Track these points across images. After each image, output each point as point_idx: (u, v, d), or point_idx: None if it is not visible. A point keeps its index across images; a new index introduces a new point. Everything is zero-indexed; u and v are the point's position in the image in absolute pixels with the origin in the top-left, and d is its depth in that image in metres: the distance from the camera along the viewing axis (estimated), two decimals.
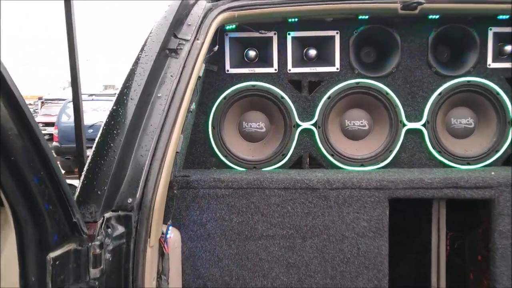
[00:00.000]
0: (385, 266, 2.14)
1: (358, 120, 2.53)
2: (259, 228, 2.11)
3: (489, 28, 2.42)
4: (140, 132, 1.76)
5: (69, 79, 1.91)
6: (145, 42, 1.93)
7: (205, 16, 2.08)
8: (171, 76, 1.88)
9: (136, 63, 1.88)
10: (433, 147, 2.45)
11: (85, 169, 1.71)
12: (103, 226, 1.57)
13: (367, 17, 2.29)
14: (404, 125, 2.45)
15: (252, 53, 2.48)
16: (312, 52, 2.47)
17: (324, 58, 2.48)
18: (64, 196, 1.39)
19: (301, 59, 2.49)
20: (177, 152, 1.98)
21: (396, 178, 2.10)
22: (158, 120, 1.78)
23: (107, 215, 1.59)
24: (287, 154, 2.45)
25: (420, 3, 2.11)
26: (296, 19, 2.30)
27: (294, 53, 2.44)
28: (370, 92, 2.43)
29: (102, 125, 1.80)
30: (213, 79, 2.44)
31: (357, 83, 2.42)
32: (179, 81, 1.88)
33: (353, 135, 2.53)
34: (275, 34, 2.41)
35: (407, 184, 2.08)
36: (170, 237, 1.98)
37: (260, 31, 2.33)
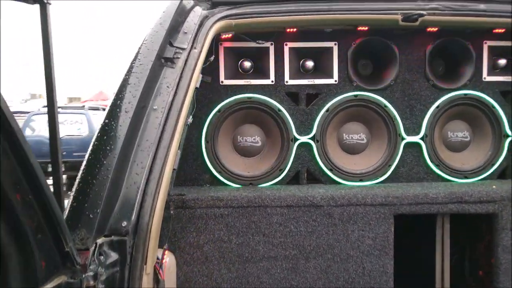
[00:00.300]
0: (390, 285, 2.05)
1: (356, 133, 2.46)
2: (260, 249, 1.98)
3: (484, 41, 2.43)
4: (134, 147, 1.61)
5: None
6: (139, 49, 1.79)
7: (201, 24, 1.96)
8: (167, 87, 1.74)
9: (129, 72, 1.73)
10: (431, 161, 2.41)
11: (73, 190, 1.54)
12: (95, 254, 1.40)
13: (366, 28, 2.24)
14: (402, 138, 2.40)
15: (247, 64, 2.37)
16: (309, 64, 2.39)
17: (322, 70, 2.41)
18: (55, 223, 1.22)
19: (298, 71, 2.40)
20: (174, 170, 1.83)
21: (401, 193, 2.03)
22: (154, 135, 1.64)
23: (99, 241, 1.42)
24: (284, 170, 2.34)
25: (421, 15, 2.08)
26: (295, 29, 2.22)
27: (291, 65, 2.35)
28: (368, 105, 2.37)
29: (93, 140, 1.63)
30: (206, 91, 2.31)
31: (356, 95, 2.36)
32: (176, 92, 1.75)
33: (351, 149, 2.46)
34: (271, 44, 2.32)
35: (412, 199, 2.01)
36: (166, 262, 1.81)
37: (257, 41, 2.23)
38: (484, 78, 2.45)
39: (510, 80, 2.46)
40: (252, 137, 2.38)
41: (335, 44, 2.35)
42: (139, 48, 1.79)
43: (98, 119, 11.41)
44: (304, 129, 2.37)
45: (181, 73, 1.80)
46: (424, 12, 2.08)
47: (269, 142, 2.39)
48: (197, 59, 1.86)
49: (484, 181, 2.37)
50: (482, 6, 2.19)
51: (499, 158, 2.44)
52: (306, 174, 2.40)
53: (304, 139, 2.35)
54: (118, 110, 1.65)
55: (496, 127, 2.44)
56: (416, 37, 2.39)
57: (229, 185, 2.32)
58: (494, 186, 2.17)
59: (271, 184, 2.34)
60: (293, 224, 1.99)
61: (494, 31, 2.34)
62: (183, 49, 1.83)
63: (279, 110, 2.31)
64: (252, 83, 2.34)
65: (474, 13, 2.17)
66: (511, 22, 2.19)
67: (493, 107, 2.42)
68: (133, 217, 1.48)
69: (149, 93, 1.71)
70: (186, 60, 1.84)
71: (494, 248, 2.11)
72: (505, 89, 2.47)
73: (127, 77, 1.72)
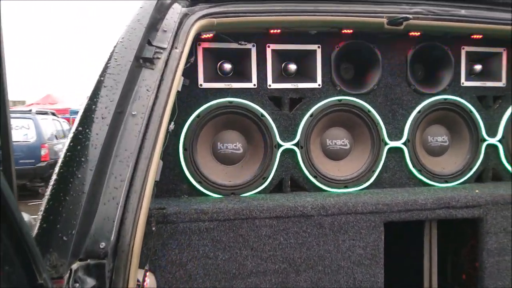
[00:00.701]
0: None
1: (339, 139, 2.39)
2: (248, 264, 1.85)
3: (462, 47, 2.45)
4: (112, 158, 1.43)
5: None
6: (115, 48, 1.61)
7: (181, 22, 1.81)
8: (147, 90, 1.58)
9: (104, 73, 1.55)
10: (414, 166, 2.39)
11: (42, 208, 1.33)
12: (70, 282, 1.22)
13: (351, 31, 2.18)
14: (386, 143, 2.36)
15: (227, 66, 2.23)
16: (292, 67, 2.29)
17: (305, 73, 2.32)
18: (26, 251, 1.02)
19: (280, 74, 2.30)
20: (155, 182, 1.66)
21: (391, 200, 1.98)
22: (134, 144, 1.47)
23: (74, 266, 1.24)
24: (268, 177, 2.22)
25: (407, 19, 2.04)
26: (278, 30, 2.11)
27: (274, 68, 2.24)
28: (352, 110, 2.31)
29: (64, 150, 1.43)
30: (184, 95, 2.14)
31: (340, 100, 2.29)
32: (156, 96, 1.59)
33: (334, 155, 2.39)
34: (253, 46, 2.20)
35: (402, 206, 1.97)
36: (146, 284, 1.63)
37: (239, 42, 2.11)
38: (462, 83, 2.47)
39: (485, 85, 2.50)
40: (233, 143, 2.25)
41: (319, 47, 2.27)
42: (115, 47, 1.61)
43: (48, 124, 10.71)
44: (287, 135, 2.27)
45: (162, 75, 1.64)
46: (410, 16, 2.05)
47: (251, 149, 2.27)
48: (179, 60, 1.71)
49: (465, 185, 2.38)
50: (463, 12, 2.20)
51: (476, 162, 2.47)
52: (289, 182, 2.29)
53: (288, 145, 2.25)
54: (93, 116, 1.46)
55: (473, 131, 2.46)
56: (398, 41, 2.37)
57: (210, 196, 2.17)
58: (477, 191, 2.17)
59: (254, 193, 2.21)
60: (282, 236, 1.87)
61: (472, 36, 2.36)
62: (163, 48, 1.67)
63: (262, 115, 2.19)
64: (233, 87, 2.20)
65: (455, 18, 2.17)
66: (488, 28, 2.22)
67: (471, 112, 2.44)
68: (113, 237, 1.31)
69: (127, 96, 1.54)
70: (167, 61, 1.68)
71: (479, 252, 2.11)
72: (481, 94, 2.50)
73: (102, 78, 1.53)
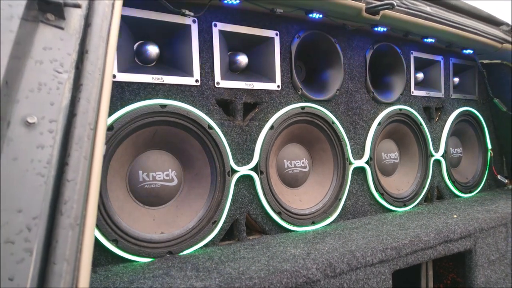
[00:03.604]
0: None
1: (299, 159, 1.81)
2: None
3: (411, 51, 2.19)
4: None
5: None
6: None
7: None
8: (57, 71, 0.72)
9: None
10: (376, 189, 1.99)
11: None
12: None
13: (321, 16, 1.64)
14: (350, 163, 1.89)
15: (152, 50, 1.42)
16: (243, 60, 1.62)
17: (258, 69, 1.67)
18: None
19: (227, 69, 1.60)
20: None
21: (398, 241, 1.48)
22: (38, 198, 0.63)
23: None
24: (219, 221, 1.48)
25: (392, 6, 1.63)
26: (237, 1, 1.42)
27: (222, 58, 1.53)
28: (315, 120, 1.77)
29: None
30: None
31: (303, 107, 1.72)
32: (77, 83, 0.75)
33: (294, 181, 1.80)
34: (194, 22, 1.45)
35: (409, 248, 1.49)
36: None
37: (183, 11, 1.33)
38: (412, 92, 2.21)
39: (430, 95, 2.30)
40: (164, 171, 1.43)
41: (276, 35, 1.66)
42: None
43: None
44: (242, 155, 1.57)
45: (84, 42, 0.79)
46: (394, 3, 1.64)
47: (190, 178, 1.48)
48: (111, 17, 0.87)
49: (429, 209, 2.09)
50: (428, 9, 1.92)
51: (427, 180, 2.22)
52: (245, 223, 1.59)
53: (244, 170, 1.55)
54: None
55: (423, 146, 2.21)
56: (357, 39, 1.95)
57: (134, 262, 1.30)
58: (455, 216, 1.88)
59: (202, 248, 1.44)
60: None
61: (424, 40, 2.12)
62: None
63: (210, 127, 1.45)
64: (165, 82, 1.40)
65: (422, 14, 1.87)
66: (448, 31, 2.00)
67: (421, 124, 2.19)
68: None
69: (13, 84, 0.65)
70: (89, 16, 0.84)
71: (470, 285, 1.80)
72: (426, 105, 2.29)
73: None
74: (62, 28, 0.77)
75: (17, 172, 0.62)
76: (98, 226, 1.23)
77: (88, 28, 0.82)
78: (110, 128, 1.26)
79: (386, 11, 1.71)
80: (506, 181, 2.68)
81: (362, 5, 1.64)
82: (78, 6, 0.78)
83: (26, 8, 0.69)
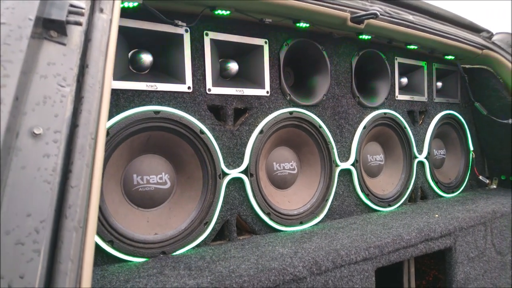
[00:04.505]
0: None
1: (287, 162, 1.88)
2: None
3: (396, 57, 2.28)
4: None
5: None
6: None
7: None
8: (60, 85, 0.78)
9: None
10: (362, 190, 2.07)
11: None
12: None
13: (308, 25, 1.72)
14: (337, 165, 1.97)
15: (145, 58, 1.48)
16: (233, 67, 1.69)
17: (248, 75, 1.74)
18: None
19: (219, 76, 1.66)
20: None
21: (381, 240, 1.56)
22: (44, 205, 0.69)
23: None
24: (210, 222, 1.54)
25: (376, 15, 1.71)
26: (227, 12, 1.49)
27: (213, 66, 1.59)
28: (302, 124, 1.84)
29: None
30: None
31: (291, 112, 1.79)
32: (78, 95, 0.81)
33: (282, 183, 1.87)
34: (187, 31, 1.51)
35: (391, 246, 1.57)
36: None
37: (175, 22, 1.39)
38: (397, 96, 2.29)
39: (413, 99, 2.38)
40: (158, 174, 1.49)
41: (266, 43, 1.73)
42: None
43: None
44: (232, 159, 1.64)
45: (85, 57, 0.85)
46: (378, 13, 1.72)
47: (182, 181, 1.55)
48: (109, 33, 0.93)
49: (410, 209, 2.17)
50: (411, 18, 2.01)
51: (411, 181, 2.31)
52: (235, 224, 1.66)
53: (234, 173, 1.62)
54: None
55: (407, 148, 2.30)
56: (343, 46, 2.03)
57: (128, 261, 1.36)
58: (436, 215, 1.97)
59: (194, 248, 1.50)
60: None
61: (408, 46, 2.20)
62: (80, 9, 0.87)
63: (202, 131, 1.51)
64: (158, 89, 1.46)
65: (405, 23, 1.96)
66: (430, 38, 2.09)
67: (405, 127, 2.28)
68: None
69: (22, 97, 0.71)
70: (89, 32, 0.90)
71: (449, 283, 1.88)
72: (410, 108, 2.37)
73: None
74: (64, 44, 0.83)
75: (25, 179, 0.68)
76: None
77: (88, 43, 0.88)
78: (106, 134, 1.32)
79: (370, 20, 1.79)
80: (488, 181, 2.79)
81: (347, 15, 1.72)
82: (79, 23, 0.84)
83: (33, 28, 0.75)
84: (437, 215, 1.97)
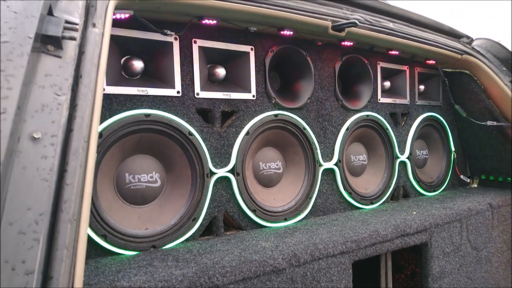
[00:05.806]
0: None
1: (273, 161, 1.99)
2: None
3: (378, 62, 2.38)
4: None
5: None
6: None
7: None
8: (56, 94, 0.88)
9: None
10: (344, 188, 2.17)
11: None
12: None
13: (290, 33, 1.82)
14: (320, 165, 2.07)
15: (137, 65, 1.58)
16: (221, 72, 1.79)
17: (235, 80, 1.84)
18: None
19: (207, 80, 1.76)
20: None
21: (358, 236, 1.67)
22: (42, 199, 0.80)
23: None
24: (198, 218, 1.64)
25: (355, 24, 1.81)
26: (214, 21, 1.59)
27: (202, 71, 1.70)
28: (287, 126, 1.95)
29: None
30: None
31: (276, 115, 1.90)
32: (73, 103, 0.91)
33: (268, 181, 1.97)
34: (176, 39, 1.61)
35: (368, 241, 1.68)
36: None
37: (164, 31, 1.49)
38: (379, 99, 2.40)
39: (396, 102, 2.49)
40: (148, 173, 1.59)
41: (252, 49, 1.83)
42: None
43: None
44: (219, 159, 1.74)
45: (78, 68, 0.95)
46: (358, 22, 1.82)
47: (172, 179, 1.65)
48: (101, 46, 1.03)
49: (382, 205, 2.28)
50: (391, 25, 2.12)
51: (393, 180, 2.42)
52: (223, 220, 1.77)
53: (222, 172, 1.72)
54: None
55: (389, 149, 2.41)
56: (327, 51, 2.13)
57: (121, 255, 1.46)
58: (414, 212, 2.08)
59: (183, 243, 1.60)
60: None
61: (389, 52, 2.31)
62: (74, 24, 0.97)
63: (190, 133, 1.62)
64: (149, 94, 1.56)
65: (385, 30, 2.06)
66: (410, 44, 2.19)
67: (387, 129, 2.39)
68: None
69: (23, 105, 0.81)
70: (82, 45, 1.00)
71: (424, 277, 1.99)
72: (392, 111, 2.48)
73: None
74: (60, 57, 0.93)
75: (26, 178, 0.78)
76: (90, 222, 1.38)
77: (82, 56, 0.98)
78: (99, 135, 1.42)
79: (351, 28, 1.90)
80: (469, 180, 2.90)
81: (328, 24, 1.82)
82: (73, 38, 0.94)
83: (33, 43, 0.85)
84: (414, 212, 2.08)
